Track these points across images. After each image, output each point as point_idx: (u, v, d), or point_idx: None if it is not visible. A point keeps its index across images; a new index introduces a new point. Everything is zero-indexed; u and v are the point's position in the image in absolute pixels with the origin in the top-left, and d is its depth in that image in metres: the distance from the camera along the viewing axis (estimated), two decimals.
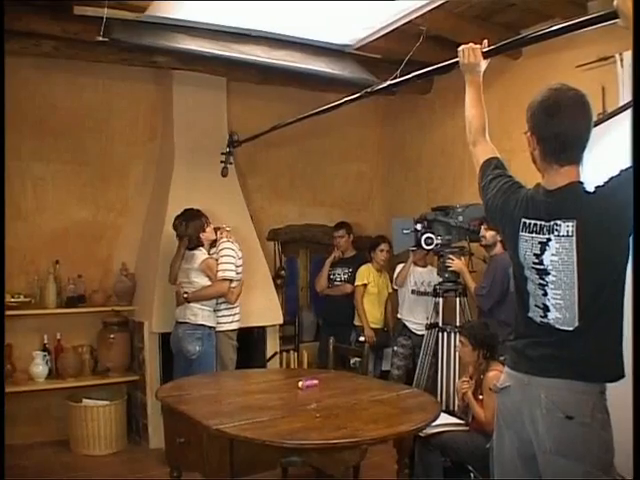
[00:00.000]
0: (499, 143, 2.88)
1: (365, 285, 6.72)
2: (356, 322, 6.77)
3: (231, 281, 5.57)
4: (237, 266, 5.65)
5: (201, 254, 5.58)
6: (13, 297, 5.80)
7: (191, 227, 5.58)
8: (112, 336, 6.13)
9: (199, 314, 5.47)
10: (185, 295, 5.50)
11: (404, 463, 3.79)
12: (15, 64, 5.80)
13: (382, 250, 6.75)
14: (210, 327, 5.52)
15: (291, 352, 6.80)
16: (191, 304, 5.48)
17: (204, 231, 5.62)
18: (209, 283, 5.54)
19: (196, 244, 5.60)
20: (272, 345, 6.53)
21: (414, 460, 4.31)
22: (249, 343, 6.36)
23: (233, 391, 4.57)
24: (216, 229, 5.77)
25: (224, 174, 6.20)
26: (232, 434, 3.16)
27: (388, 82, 4.50)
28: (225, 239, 5.70)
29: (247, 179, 7.09)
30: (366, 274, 6.74)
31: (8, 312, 5.61)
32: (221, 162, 6.18)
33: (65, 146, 6.33)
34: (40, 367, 5.88)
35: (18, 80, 5.98)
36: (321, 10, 5.18)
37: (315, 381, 4.17)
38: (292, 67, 5.84)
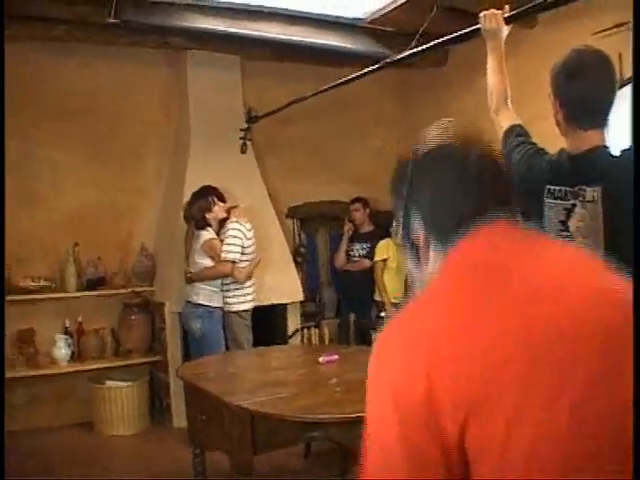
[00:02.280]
0: (516, 113, 2.84)
1: (384, 260, 6.69)
2: (376, 297, 6.75)
3: (234, 262, 5.52)
4: (245, 247, 5.59)
5: (206, 234, 5.55)
6: (34, 281, 5.83)
7: (195, 207, 5.57)
8: (133, 317, 6.16)
9: (200, 293, 5.48)
10: (188, 275, 5.52)
11: None
12: (27, 49, 5.84)
13: None
14: (212, 307, 5.51)
15: (312, 329, 6.79)
16: (195, 284, 5.49)
17: (210, 210, 5.58)
18: (212, 264, 5.52)
19: (203, 224, 5.58)
20: (293, 322, 6.54)
21: None
22: (270, 321, 6.36)
23: (253, 368, 4.58)
24: (230, 208, 5.75)
25: (243, 150, 6.16)
26: (252, 410, 3.17)
27: (407, 52, 4.46)
28: (234, 219, 5.67)
29: (264, 157, 7.03)
30: (385, 249, 6.71)
31: (29, 296, 5.73)
32: (240, 138, 6.14)
33: (80, 130, 6.31)
34: (62, 350, 5.92)
35: (31, 65, 5.99)
36: None
37: (335, 356, 4.17)
38: (305, 43, 5.81)
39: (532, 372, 1.01)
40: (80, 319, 6.13)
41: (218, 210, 5.64)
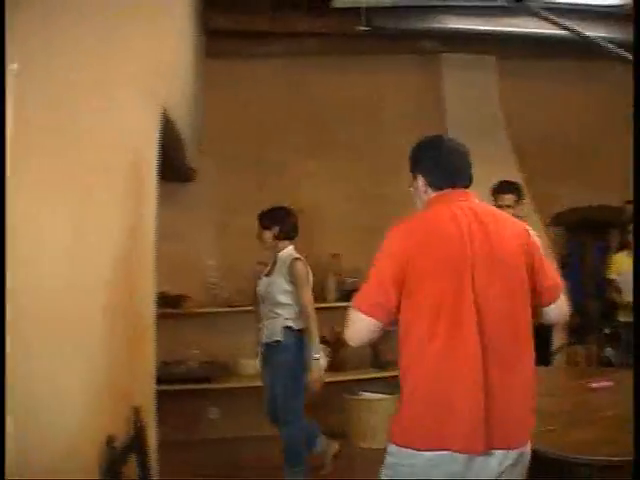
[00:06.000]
0: None
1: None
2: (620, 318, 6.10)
3: None
4: None
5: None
6: None
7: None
8: (394, 329, 6.02)
9: None
10: None
11: None
12: (279, 65, 5.97)
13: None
14: None
15: (577, 346, 6.26)
16: None
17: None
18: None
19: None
20: (558, 338, 6.06)
21: None
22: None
23: None
24: None
25: None
26: None
27: None
28: None
29: (524, 160, 6.60)
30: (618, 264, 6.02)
31: None
32: None
33: (336, 141, 6.36)
34: (321, 360, 5.93)
35: (284, 81, 6.14)
36: None
37: (609, 382, 3.72)
38: (566, 37, 5.38)
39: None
40: (338, 329, 6.12)
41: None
